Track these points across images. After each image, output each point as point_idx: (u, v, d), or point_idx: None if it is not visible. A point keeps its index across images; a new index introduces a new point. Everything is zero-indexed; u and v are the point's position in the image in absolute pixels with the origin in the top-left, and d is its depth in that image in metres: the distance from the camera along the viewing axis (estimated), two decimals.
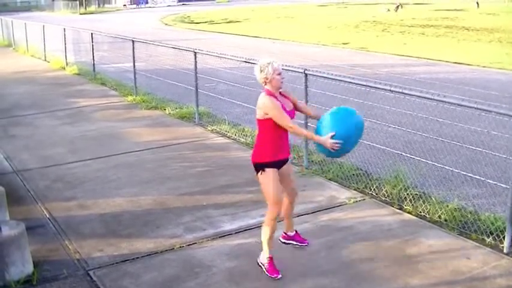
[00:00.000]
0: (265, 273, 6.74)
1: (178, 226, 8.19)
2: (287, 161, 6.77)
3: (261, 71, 6.45)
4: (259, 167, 6.55)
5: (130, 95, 17.53)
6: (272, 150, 6.50)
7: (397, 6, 63.56)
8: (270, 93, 6.43)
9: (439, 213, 8.23)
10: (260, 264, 6.84)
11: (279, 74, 6.45)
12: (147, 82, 19.65)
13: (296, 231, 7.40)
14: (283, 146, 6.61)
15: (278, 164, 6.58)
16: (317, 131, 6.45)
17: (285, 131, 6.51)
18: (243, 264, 6.98)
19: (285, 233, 7.37)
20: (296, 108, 6.74)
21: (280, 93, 6.56)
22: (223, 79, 20.24)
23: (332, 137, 6.24)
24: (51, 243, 7.78)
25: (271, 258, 6.76)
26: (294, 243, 7.38)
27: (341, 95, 15.80)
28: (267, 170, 6.49)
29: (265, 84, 6.48)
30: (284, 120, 6.35)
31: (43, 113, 15.81)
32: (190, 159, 11.38)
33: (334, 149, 6.27)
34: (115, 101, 17.32)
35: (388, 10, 62.99)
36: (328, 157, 6.79)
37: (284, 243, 7.37)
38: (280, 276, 6.67)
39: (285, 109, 6.41)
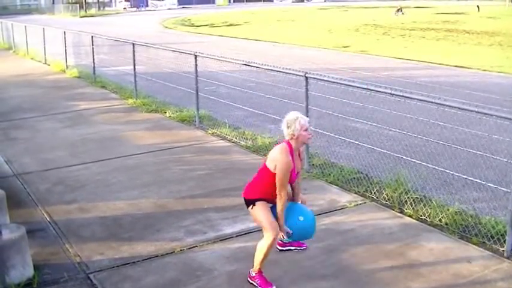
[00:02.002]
0: (257, 287, 6.61)
1: (179, 229, 8.18)
2: None
3: (288, 127, 6.34)
4: (250, 202, 6.51)
5: (131, 98, 17.53)
6: (267, 194, 6.43)
7: (398, 10, 63.63)
8: (291, 151, 6.34)
9: (440, 217, 8.22)
10: (251, 282, 6.68)
11: (306, 130, 6.35)
12: (148, 85, 19.67)
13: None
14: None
15: (269, 201, 6.52)
16: (285, 212, 6.43)
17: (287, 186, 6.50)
18: (243, 268, 6.96)
19: (281, 240, 7.30)
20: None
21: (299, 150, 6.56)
22: (223, 82, 20.24)
23: (288, 231, 6.43)
24: (51, 246, 7.77)
25: (260, 272, 6.62)
26: (292, 248, 7.35)
27: (342, 98, 15.82)
28: (257, 203, 6.45)
29: (291, 140, 6.39)
30: (281, 188, 6.29)
31: (43, 116, 15.81)
32: (190, 162, 11.37)
33: (283, 236, 6.52)
34: (115, 104, 17.32)
35: (402, 14, 62.94)
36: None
37: (282, 250, 7.33)
38: (274, 287, 6.56)
39: (293, 170, 6.37)
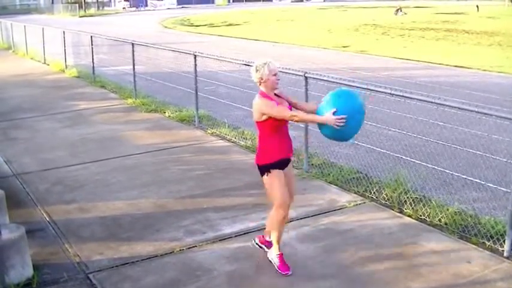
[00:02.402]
0: (276, 269, 6.79)
1: (178, 229, 8.17)
2: (290, 161, 6.76)
3: (257, 70, 6.41)
4: (264, 169, 6.53)
5: (130, 97, 17.52)
6: (275, 150, 6.49)
7: (397, 10, 63.63)
8: (264, 95, 6.42)
9: (440, 217, 8.22)
10: (271, 259, 6.88)
11: (275, 74, 6.42)
12: (147, 85, 19.67)
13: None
14: (285, 145, 6.60)
15: (282, 164, 6.57)
16: (318, 113, 6.34)
17: (285, 128, 6.52)
18: (243, 268, 6.96)
19: (263, 237, 7.31)
20: (294, 106, 6.69)
21: (275, 94, 6.54)
22: (223, 82, 20.25)
23: (334, 114, 6.12)
24: (51, 246, 7.77)
25: (281, 255, 6.82)
26: (266, 249, 7.18)
27: None
28: (273, 171, 6.48)
29: (260, 85, 6.46)
30: (283, 112, 6.32)
31: (43, 116, 15.80)
32: (190, 162, 11.37)
33: (338, 126, 6.10)
34: (115, 103, 17.31)
35: (405, 13, 62.93)
36: (335, 139, 6.64)
37: (257, 244, 7.27)
38: (290, 273, 6.72)
39: (281, 104, 6.42)
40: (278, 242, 6.78)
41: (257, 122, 6.48)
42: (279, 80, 6.48)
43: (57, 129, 14.27)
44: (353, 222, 8.26)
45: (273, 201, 6.61)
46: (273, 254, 6.89)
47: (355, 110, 6.27)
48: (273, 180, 6.49)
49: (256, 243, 7.28)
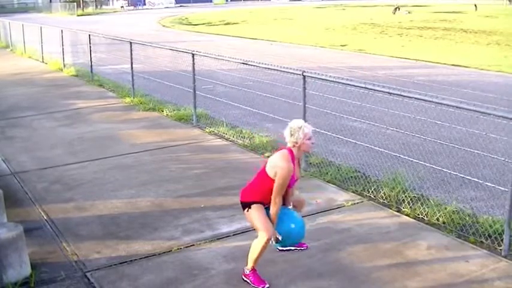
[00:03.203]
0: (252, 286, 6.62)
1: (176, 228, 8.18)
2: None
3: (291, 135, 6.29)
4: (246, 205, 6.50)
5: (128, 96, 17.52)
6: (263, 198, 6.42)
7: (395, 8, 63.62)
8: (291, 159, 6.29)
9: (437, 216, 8.23)
10: (245, 279, 6.70)
11: (309, 138, 6.33)
12: (145, 84, 19.66)
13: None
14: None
15: (264, 204, 6.51)
16: (281, 217, 6.44)
17: (284, 193, 6.49)
18: (240, 267, 6.95)
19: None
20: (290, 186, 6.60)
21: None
22: (221, 81, 20.23)
23: (278, 236, 6.39)
24: (48, 245, 7.77)
25: (254, 270, 6.65)
26: (293, 248, 7.28)
27: (339, 97, 15.80)
28: (253, 206, 6.44)
29: (293, 147, 6.36)
30: (278, 195, 6.29)
31: (41, 115, 15.79)
32: (188, 161, 11.37)
33: (269, 238, 6.36)
34: (113, 102, 17.31)
35: (409, 12, 62.90)
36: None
37: (282, 250, 7.25)
38: (267, 285, 6.57)
39: (293, 177, 6.35)
40: (255, 261, 6.58)
41: (265, 172, 6.37)
42: (313, 143, 6.45)
43: (55, 128, 14.27)
44: (351, 221, 8.27)
45: (258, 231, 6.48)
46: (246, 270, 6.70)
47: (285, 243, 6.71)
48: (254, 215, 6.42)
49: (281, 250, 7.22)
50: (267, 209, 6.43)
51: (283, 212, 6.50)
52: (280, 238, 6.42)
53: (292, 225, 6.51)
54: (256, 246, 6.46)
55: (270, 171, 6.30)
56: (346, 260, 7.17)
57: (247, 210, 6.47)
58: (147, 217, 8.61)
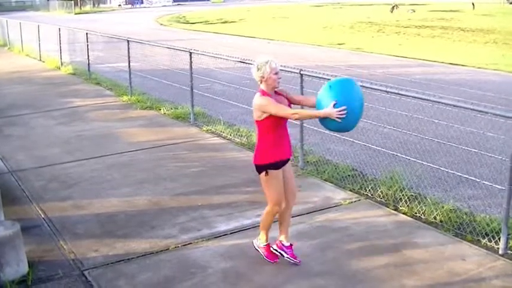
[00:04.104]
0: (263, 257, 6.91)
1: (173, 226, 8.17)
2: (288, 161, 6.75)
3: (258, 69, 6.40)
4: (261, 168, 6.53)
5: (126, 95, 17.51)
6: (273, 150, 6.48)
7: (393, 7, 63.60)
8: (264, 93, 6.41)
9: (435, 214, 8.23)
10: (257, 248, 6.95)
11: (276, 73, 6.40)
12: (142, 82, 19.66)
13: (291, 244, 7.08)
14: (284, 145, 6.58)
15: (280, 164, 6.56)
16: (318, 109, 6.30)
17: (285, 129, 6.51)
18: (238, 265, 6.97)
19: (280, 242, 7.23)
20: (292, 102, 6.69)
21: (275, 92, 6.54)
22: (218, 79, 20.24)
23: (334, 106, 6.08)
24: (46, 243, 7.76)
25: (268, 246, 6.92)
26: (285, 255, 7.00)
27: None
28: (271, 172, 6.48)
29: (261, 83, 6.44)
30: (283, 110, 6.32)
31: (38, 113, 15.78)
32: (185, 159, 11.37)
33: (340, 118, 6.07)
34: (110, 101, 17.30)
35: (413, 11, 62.81)
36: (339, 131, 6.59)
37: (276, 250, 7.11)
38: (278, 261, 6.86)
39: (280, 102, 6.42)
40: (266, 232, 6.87)
41: (257, 121, 6.47)
42: (280, 78, 6.46)
43: (52, 126, 14.26)
44: (348, 220, 8.27)
45: (268, 200, 6.60)
46: (260, 243, 6.98)
47: (354, 98, 6.26)
48: (271, 181, 6.50)
49: (275, 249, 7.15)
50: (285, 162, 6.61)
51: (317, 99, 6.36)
52: (336, 102, 6.07)
53: (324, 90, 6.30)
54: (265, 215, 6.78)
55: (257, 115, 6.42)
56: (343, 258, 7.17)
57: (265, 174, 6.51)
58: (145, 215, 8.61)
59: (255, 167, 6.62)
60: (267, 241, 6.94)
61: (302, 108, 6.99)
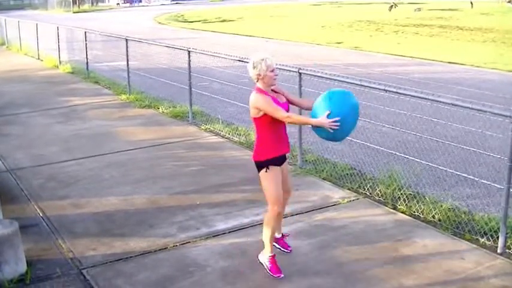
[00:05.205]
0: (267, 272, 6.71)
1: (171, 225, 8.17)
2: (286, 157, 6.75)
3: (254, 67, 6.39)
4: (262, 165, 6.52)
5: (124, 93, 17.50)
6: (272, 145, 6.48)
7: (391, 6, 63.54)
8: (261, 91, 6.40)
9: (433, 213, 8.23)
10: (262, 262, 6.80)
11: (272, 71, 6.39)
12: (141, 81, 19.64)
13: (283, 234, 7.28)
14: (282, 140, 6.59)
15: (280, 160, 6.57)
16: (313, 116, 6.29)
17: (282, 124, 6.50)
18: (236, 264, 6.97)
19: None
20: (290, 102, 6.69)
21: (272, 90, 6.54)
22: (216, 78, 20.22)
23: (328, 116, 6.07)
24: (44, 242, 7.76)
25: (273, 257, 6.74)
26: (277, 246, 7.19)
27: None
28: (271, 168, 6.47)
29: (257, 81, 6.44)
30: (278, 112, 6.29)
31: (36, 112, 15.77)
32: (183, 158, 11.36)
33: (332, 129, 6.07)
34: (108, 99, 17.29)
35: (419, 10, 62.68)
36: (329, 140, 6.61)
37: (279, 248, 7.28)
38: (282, 275, 6.64)
39: (277, 103, 6.39)
40: (271, 242, 6.69)
41: (254, 119, 6.47)
42: (276, 75, 6.45)
43: (50, 125, 14.25)
44: (346, 219, 8.27)
45: (267, 198, 6.60)
46: (264, 257, 6.79)
47: (348, 112, 6.25)
48: (270, 177, 6.48)
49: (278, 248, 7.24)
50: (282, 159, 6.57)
51: (314, 108, 6.35)
52: (329, 112, 6.07)
53: (318, 99, 6.32)
54: (267, 220, 6.61)
55: (254, 112, 6.41)
56: (341, 257, 7.17)
57: (265, 171, 6.49)
58: (143, 214, 8.61)
59: (255, 164, 6.60)
60: (272, 252, 6.75)
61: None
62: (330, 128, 6.08)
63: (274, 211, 6.51)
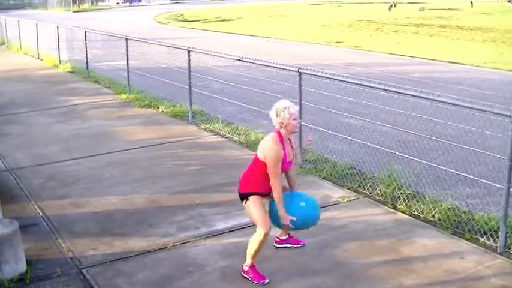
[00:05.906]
0: (252, 282, 6.61)
1: (171, 225, 8.17)
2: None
3: (277, 115, 6.38)
4: (245, 196, 6.52)
5: (124, 93, 17.50)
6: (260, 185, 6.45)
7: (391, 6, 63.59)
8: (281, 140, 6.37)
9: (433, 213, 8.24)
10: (244, 275, 6.70)
11: (295, 119, 6.41)
12: (141, 80, 19.63)
13: (289, 234, 7.35)
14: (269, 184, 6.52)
15: (263, 194, 6.55)
16: (285, 202, 6.42)
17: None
18: (236, 263, 6.96)
19: (278, 238, 7.34)
20: (288, 168, 6.66)
21: (289, 139, 6.57)
22: (216, 77, 20.21)
23: (292, 218, 6.39)
24: (44, 241, 7.76)
25: (252, 266, 6.66)
26: (289, 245, 7.33)
27: (335, 94, 15.82)
28: (251, 197, 6.46)
29: (280, 128, 6.42)
30: (274, 174, 6.30)
31: (36, 111, 15.77)
32: (183, 157, 11.36)
33: (284, 226, 6.53)
34: (108, 99, 17.29)
35: (423, 9, 62.68)
36: (273, 224, 6.82)
37: (278, 248, 7.32)
38: (267, 281, 6.58)
39: (285, 159, 6.39)
40: (254, 257, 6.59)
41: (257, 158, 6.44)
42: (298, 123, 6.45)
43: (50, 125, 14.25)
44: (346, 218, 8.27)
45: (255, 222, 6.53)
46: (245, 267, 6.70)
47: (306, 224, 6.68)
48: (253, 204, 6.45)
49: (277, 247, 7.30)
50: (272, 201, 6.51)
51: (289, 195, 6.57)
52: (295, 219, 6.41)
53: (302, 204, 6.55)
54: (254, 241, 6.48)
55: (260, 156, 6.38)
56: (341, 256, 7.18)
57: (245, 202, 6.50)
58: (143, 214, 8.61)
59: (239, 195, 6.61)
60: (252, 262, 6.66)
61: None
62: (282, 225, 6.51)
63: (261, 234, 6.38)
